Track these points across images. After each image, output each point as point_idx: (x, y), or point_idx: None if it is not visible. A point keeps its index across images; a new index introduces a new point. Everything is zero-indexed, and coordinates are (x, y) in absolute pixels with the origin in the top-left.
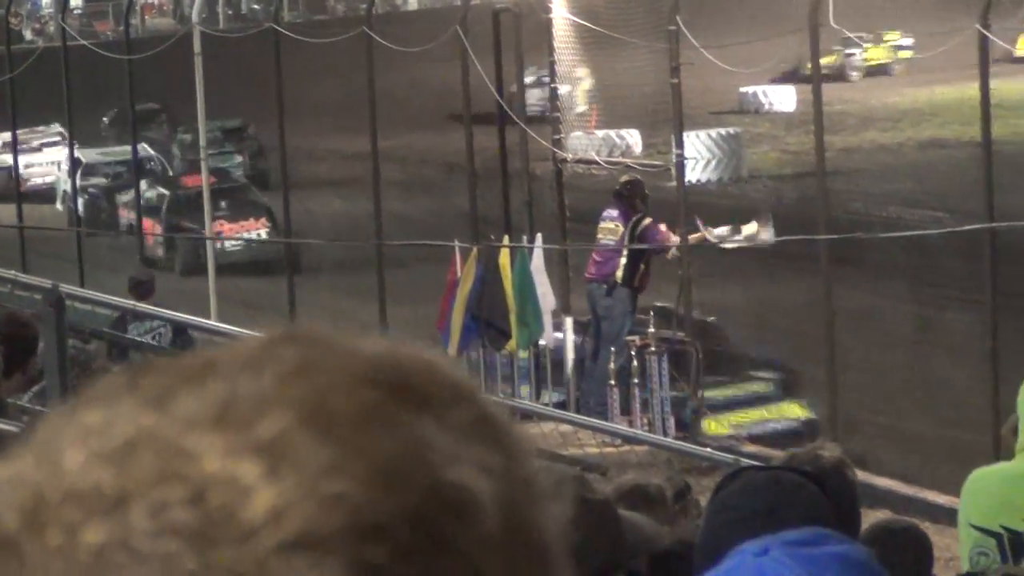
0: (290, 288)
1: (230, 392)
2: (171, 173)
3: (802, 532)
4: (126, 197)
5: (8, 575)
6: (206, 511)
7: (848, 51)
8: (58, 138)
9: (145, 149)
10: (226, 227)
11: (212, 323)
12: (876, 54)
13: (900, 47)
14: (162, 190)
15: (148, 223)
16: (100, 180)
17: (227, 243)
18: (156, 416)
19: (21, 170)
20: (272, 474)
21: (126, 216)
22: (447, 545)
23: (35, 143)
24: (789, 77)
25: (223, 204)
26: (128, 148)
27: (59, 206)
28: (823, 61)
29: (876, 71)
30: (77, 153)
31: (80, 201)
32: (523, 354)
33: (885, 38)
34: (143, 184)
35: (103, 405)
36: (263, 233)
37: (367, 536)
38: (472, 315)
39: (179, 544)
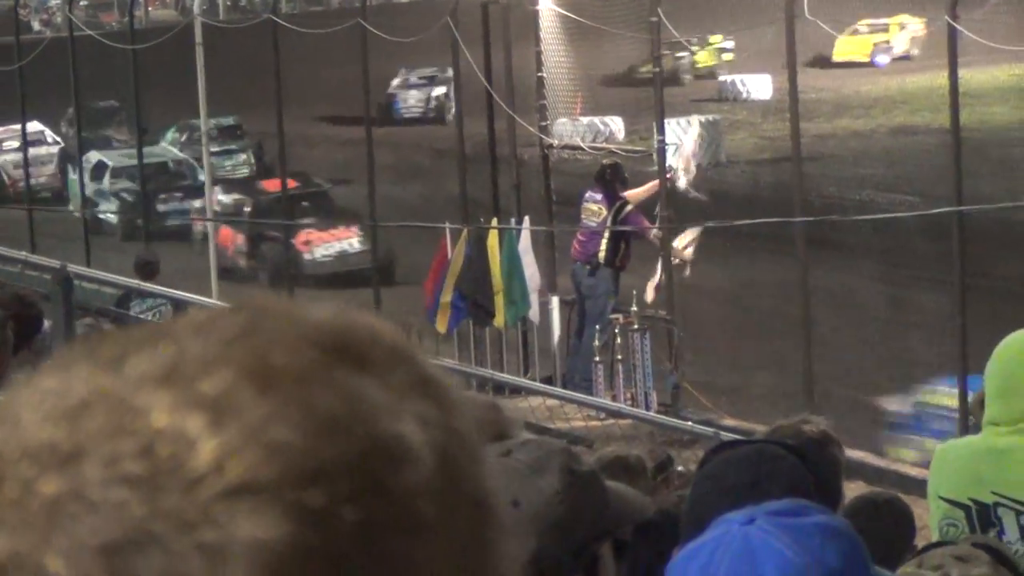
0: (288, 267)
1: (178, 353)
2: (199, 178)
3: (785, 503)
4: (197, 203)
5: None
6: (154, 462)
7: (679, 54)
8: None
9: (168, 151)
10: (315, 236)
11: (215, 301)
12: (703, 57)
13: (723, 50)
14: (239, 195)
15: (227, 232)
16: (127, 183)
17: (318, 253)
18: (109, 377)
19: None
20: (215, 426)
21: (202, 227)
22: (384, 491)
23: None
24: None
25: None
26: (155, 150)
27: (75, 211)
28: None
29: (704, 74)
30: (101, 157)
31: (109, 205)
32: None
33: (711, 41)
34: (218, 189)
35: (61, 370)
36: (355, 243)
37: (306, 482)
38: (460, 293)
39: (129, 493)
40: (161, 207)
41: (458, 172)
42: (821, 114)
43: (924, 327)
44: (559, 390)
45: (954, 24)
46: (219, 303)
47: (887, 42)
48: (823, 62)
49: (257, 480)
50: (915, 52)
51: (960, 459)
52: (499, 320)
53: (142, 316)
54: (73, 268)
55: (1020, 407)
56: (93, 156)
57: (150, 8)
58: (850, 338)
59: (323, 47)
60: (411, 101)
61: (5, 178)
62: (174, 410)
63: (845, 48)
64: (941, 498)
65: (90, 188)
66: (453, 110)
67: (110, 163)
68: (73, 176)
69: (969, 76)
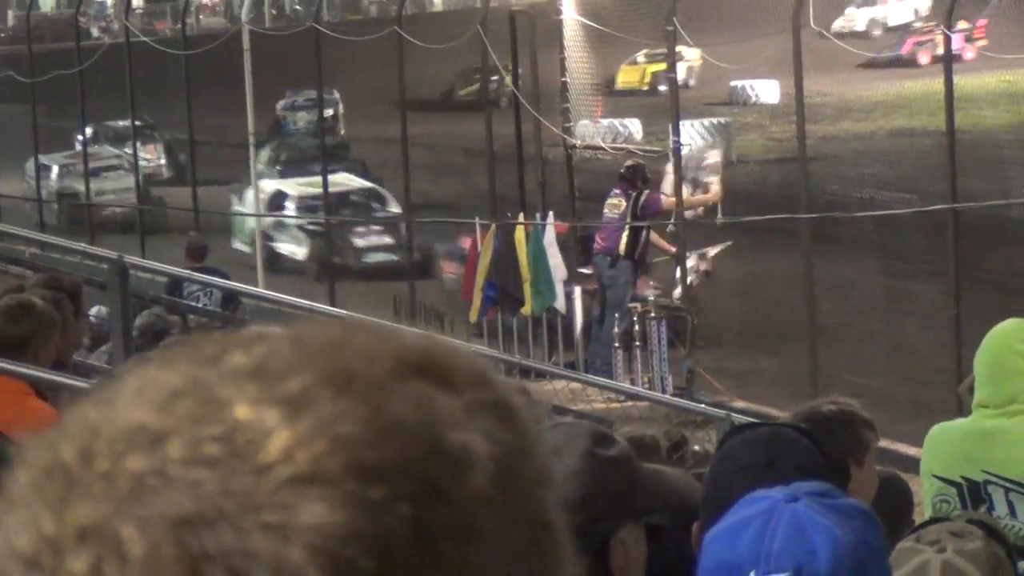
0: (330, 260)
1: (269, 355)
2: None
3: (814, 485)
4: (443, 247)
5: (58, 494)
6: (231, 447)
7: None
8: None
9: (351, 180)
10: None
11: (258, 290)
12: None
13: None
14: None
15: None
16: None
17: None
18: (204, 370)
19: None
20: (290, 420)
21: (452, 272)
22: (442, 495)
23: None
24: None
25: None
26: (337, 178)
27: (244, 246)
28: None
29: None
30: (280, 186)
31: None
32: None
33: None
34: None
35: (163, 363)
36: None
37: (368, 477)
38: (490, 283)
39: (206, 473)
40: (359, 241)
41: (487, 170)
42: (825, 117)
43: (921, 316)
44: (581, 374)
45: (949, 33)
46: (265, 292)
47: (667, 69)
48: (826, 68)
49: (322, 470)
50: (692, 82)
51: (952, 440)
52: (527, 309)
53: (190, 300)
54: (129, 259)
55: (1007, 391)
56: (268, 184)
57: (201, 16)
58: (852, 326)
59: (362, 52)
60: (300, 123)
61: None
62: (256, 403)
63: (625, 76)
64: (935, 476)
65: (265, 221)
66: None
67: (290, 192)
68: (238, 206)
69: (963, 82)
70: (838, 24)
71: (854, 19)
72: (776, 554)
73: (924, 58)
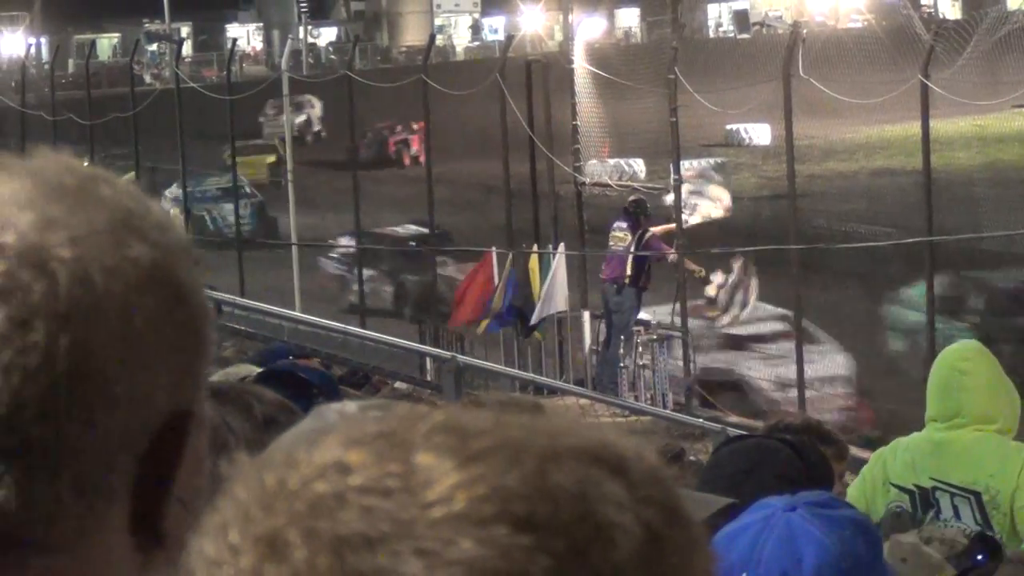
0: (360, 285)
1: (466, 419)
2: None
3: (818, 494)
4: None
5: (249, 511)
6: (406, 483)
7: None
8: None
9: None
10: None
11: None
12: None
13: None
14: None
15: None
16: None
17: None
18: (403, 422)
19: None
20: (461, 468)
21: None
22: (584, 558)
23: None
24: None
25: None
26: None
27: None
28: None
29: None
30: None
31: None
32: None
33: None
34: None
35: (378, 409)
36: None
37: (518, 525)
38: (511, 307)
39: (378, 501)
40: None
41: (504, 205)
42: (812, 158)
43: (900, 338)
44: (589, 391)
45: (926, 82)
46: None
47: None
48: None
49: (477, 512)
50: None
51: (907, 451)
52: (538, 334)
53: None
54: None
55: (952, 406)
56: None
57: (244, 64)
58: (837, 347)
59: (391, 97)
60: None
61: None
62: (438, 452)
63: None
64: (891, 484)
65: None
66: None
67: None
68: None
69: (938, 126)
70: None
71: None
72: (765, 560)
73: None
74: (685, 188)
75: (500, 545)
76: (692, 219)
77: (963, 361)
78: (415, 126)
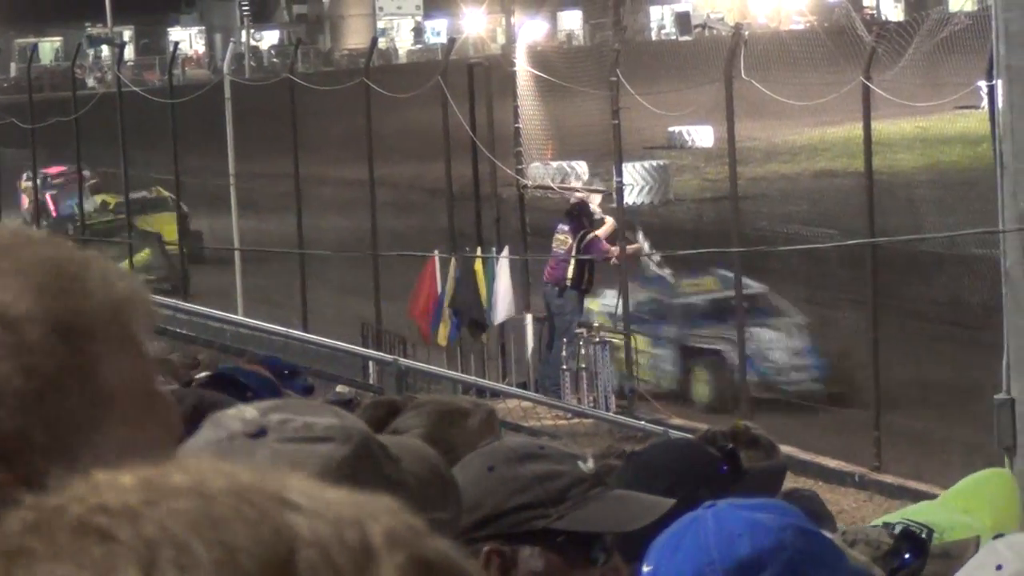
0: (303, 290)
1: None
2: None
3: (749, 499)
4: None
5: None
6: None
7: None
8: None
9: None
10: None
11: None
12: None
13: None
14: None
15: None
16: None
17: None
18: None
19: None
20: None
21: None
22: None
23: None
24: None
25: None
26: None
27: None
28: None
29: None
30: None
31: None
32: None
33: None
34: None
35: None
36: None
37: None
38: (455, 311)
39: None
40: None
41: (446, 208)
42: (754, 159)
43: (842, 341)
44: (532, 394)
45: (868, 83)
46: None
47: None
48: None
49: None
50: None
51: None
52: (485, 335)
53: None
54: None
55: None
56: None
57: (186, 68)
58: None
59: (333, 100)
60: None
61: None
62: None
63: None
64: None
65: None
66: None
67: None
68: None
69: (880, 127)
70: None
71: None
72: (718, 551)
73: None
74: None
75: None
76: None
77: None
78: None
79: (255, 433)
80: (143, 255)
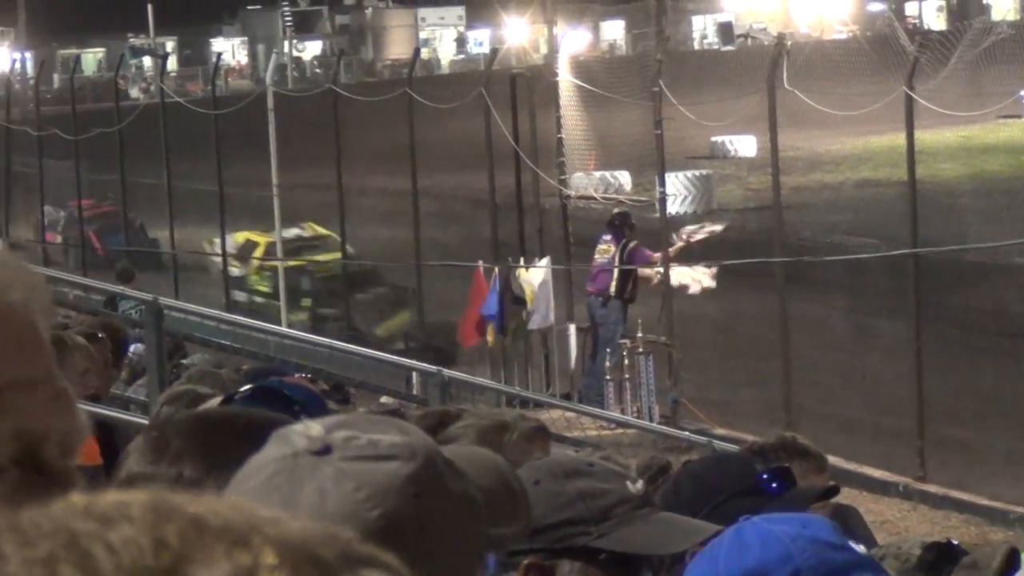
0: (346, 300)
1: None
2: None
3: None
4: None
5: None
6: None
7: None
8: None
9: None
10: None
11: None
12: None
13: None
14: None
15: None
16: None
17: None
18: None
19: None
20: None
21: None
22: None
23: None
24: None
25: None
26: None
27: None
28: None
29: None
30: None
31: None
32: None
33: None
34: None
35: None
36: None
37: None
38: (491, 315)
39: None
40: None
41: (490, 219)
42: (797, 169)
43: (885, 350)
44: (576, 404)
45: (911, 93)
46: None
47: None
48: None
49: None
50: None
51: None
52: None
53: (128, 313)
54: (163, 300)
55: None
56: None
57: (229, 79)
58: (822, 359)
59: (376, 111)
60: None
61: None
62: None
63: None
64: None
65: None
66: None
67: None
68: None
69: (923, 137)
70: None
71: None
72: (725, 562)
73: None
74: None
75: None
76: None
77: None
78: None
79: (320, 451)
80: (400, 319)
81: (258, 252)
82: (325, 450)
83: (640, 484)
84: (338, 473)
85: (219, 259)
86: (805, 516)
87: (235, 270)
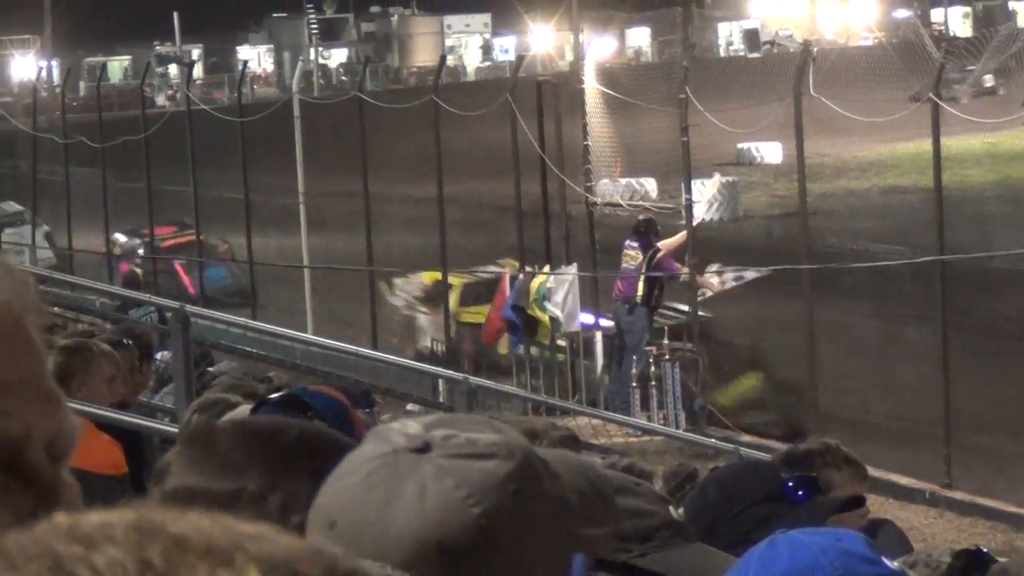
0: (373, 307)
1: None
2: None
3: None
4: None
5: None
6: None
7: None
8: None
9: None
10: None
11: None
12: None
13: None
14: None
15: None
16: None
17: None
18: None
19: None
20: None
21: None
22: None
23: None
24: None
25: None
26: None
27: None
28: None
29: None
30: None
31: None
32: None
33: None
34: None
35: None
36: None
37: None
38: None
39: None
40: None
41: (516, 225)
42: (823, 176)
43: (911, 357)
44: (602, 411)
45: (937, 100)
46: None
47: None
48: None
49: None
50: None
51: None
52: (544, 331)
53: (142, 319)
54: (190, 308)
55: None
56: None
57: (255, 86)
58: (849, 366)
59: (402, 119)
60: None
61: None
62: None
63: None
64: None
65: None
66: None
67: None
68: None
69: (949, 143)
70: None
71: None
72: (754, 570)
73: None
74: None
75: None
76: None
77: None
78: None
79: (419, 448)
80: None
81: (453, 299)
82: (424, 448)
83: (681, 511)
84: (438, 470)
85: (402, 302)
86: (840, 531)
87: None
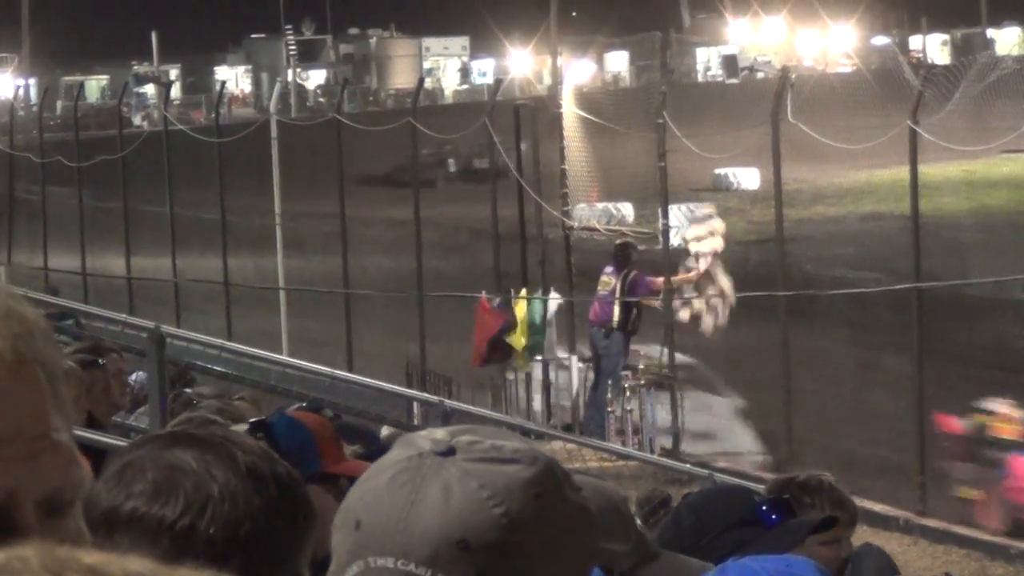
0: (348, 330)
1: None
2: None
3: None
4: None
5: None
6: None
7: None
8: None
9: None
10: None
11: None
12: None
13: None
14: None
15: None
16: None
17: None
18: None
19: None
20: None
21: None
22: None
23: None
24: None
25: None
26: None
27: None
28: None
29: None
30: None
31: None
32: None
33: None
34: None
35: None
36: None
37: None
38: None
39: None
40: None
41: (492, 249)
42: (800, 202)
43: (887, 385)
44: (577, 436)
45: (915, 127)
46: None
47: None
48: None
49: None
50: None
51: None
52: (519, 359)
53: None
54: (166, 329)
55: None
56: None
57: (232, 107)
58: (823, 393)
59: (379, 140)
60: None
61: None
62: None
63: None
64: None
65: None
66: None
67: None
68: None
69: (927, 170)
70: None
71: None
72: None
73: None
74: (690, 234)
75: None
76: (702, 263)
77: None
78: None
79: (445, 452)
80: None
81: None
82: (450, 451)
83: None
84: (463, 472)
85: None
86: (791, 557)
87: None
